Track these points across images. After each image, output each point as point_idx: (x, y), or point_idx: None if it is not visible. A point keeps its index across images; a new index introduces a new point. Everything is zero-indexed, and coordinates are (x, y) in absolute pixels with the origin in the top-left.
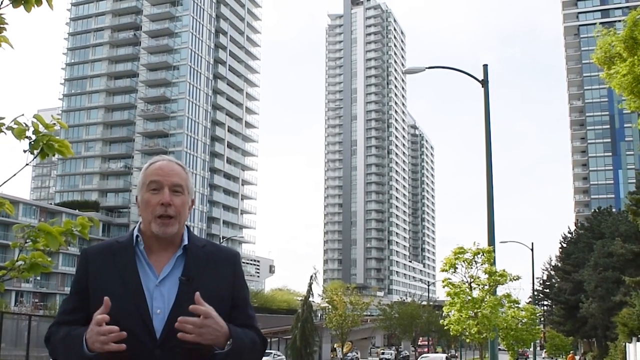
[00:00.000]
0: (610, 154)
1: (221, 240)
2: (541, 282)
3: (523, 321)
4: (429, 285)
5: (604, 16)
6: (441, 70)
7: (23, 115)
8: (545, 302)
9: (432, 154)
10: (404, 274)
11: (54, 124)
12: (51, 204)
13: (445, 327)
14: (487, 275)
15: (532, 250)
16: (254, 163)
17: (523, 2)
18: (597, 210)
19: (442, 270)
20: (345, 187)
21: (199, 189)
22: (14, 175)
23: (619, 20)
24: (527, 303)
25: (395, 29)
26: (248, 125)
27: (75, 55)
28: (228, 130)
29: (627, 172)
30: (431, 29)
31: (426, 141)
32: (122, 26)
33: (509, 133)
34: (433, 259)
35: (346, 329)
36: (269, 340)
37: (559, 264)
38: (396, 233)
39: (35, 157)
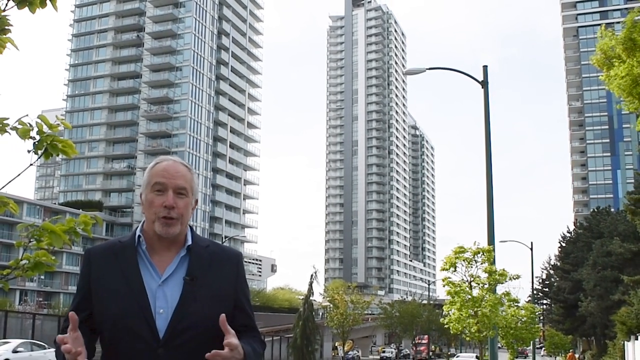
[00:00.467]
0: (609, 154)
1: (223, 240)
2: (540, 281)
3: (522, 320)
4: (429, 284)
5: (602, 18)
6: (441, 71)
7: (27, 115)
8: (545, 301)
9: (432, 154)
10: (405, 273)
11: (58, 124)
12: (55, 203)
13: (446, 326)
14: (487, 275)
15: (531, 249)
16: (256, 163)
17: (522, 4)
18: (595, 210)
19: (443, 270)
20: (347, 187)
21: (201, 188)
22: (18, 175)
23: (618, 22)
24: (527, 302)
25: (395, 30)
26: (250, 125)
27: (78, 57)
28: (230, 131)
29: (626, 172)
30: (431, 30)
31: (426, 141)
32: (125, 28)
33: (509, 133)
34: (433, 258)
35: (347, 327)
36: (271, 338)
37: (558, 263)
38: (397, 232)
39: (39, 157)
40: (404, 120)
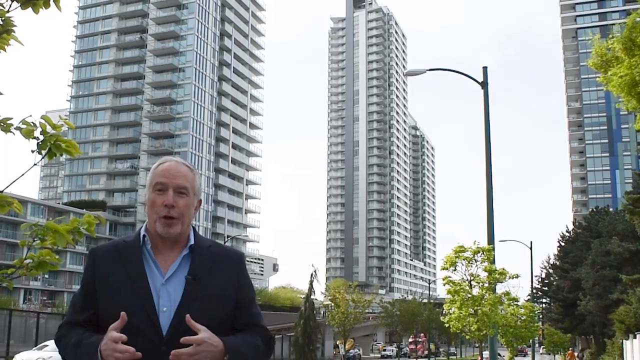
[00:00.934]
0: (607, 154)
1: (226, 239)
2: (540, 280)
3: (522, 318)
4: (429, 283)
5: (601, 19)
6: (441, 72)
7: (31, 116)
8: (544, 300)
9: (432, 154)
10: (405, 272)
11: (62, 124)
12: (59, 203)
13: (446, 325)
14: (486, 274)
15: (531, 248)
16: (257, 163)
17: (522, 6)
18: (594, 210)
19: (443, 269)
20: (348, 187)
21: (204, 188)
22: (23, 175)
23: (616, 23)
24: (526, 301)
25: (396, 32)
26: (252, 126)
27: (82, 58)
28: (232, 131)
29: (624, 172)
30: (432, 31)
31: (427, 142)
32: (128, 29)
33: (509, 134)
34: (434, 258)
35: (348, 326)
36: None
37: (558, 263)
38: (397, 232)
39: (43, 157)
40: (404, 121)
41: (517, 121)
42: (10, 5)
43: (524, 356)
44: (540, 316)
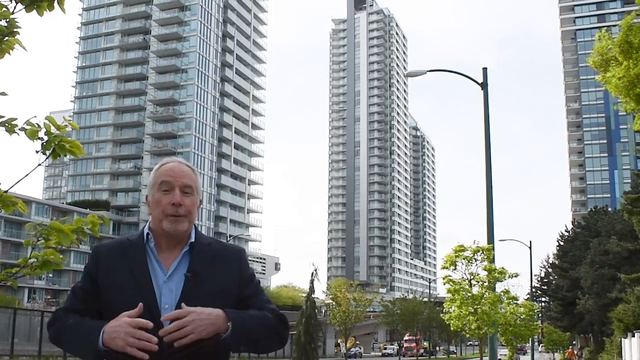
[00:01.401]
0: (606, 154)
1: (228, 239)
2: (539, 279)
3: (521, 317)
4: (430, 282)
5: (600, 21)
6: (442, 73)
7: (35, 116)
8: (543, 299)
9: (433, 154)
10: (406, 271)
11: (66, 125)
12: (63, 203)
13: (446, 323)
14: (486, 273)
15: (530, 248)
16: (260, 163)
17: (521, 8)
18: (593, 210)
19: (443, 268)
20: (349, 187)
21: (206, 188)
22: (27, 175)
23: (615, 25)
24: (526, 299)
25: (397, 33)
26: (254, 126)
27: (86, 59)
28: (235, 132)
29: (623, 172)
30: (432, 33)
31: (427, 142)
32: (132, 30)
33: (508, 134)
34: (434, 257)
35: (349, 324)
36: None
37: (557, 262)
38: (398, 231)
39: (47, 158)
40: (405, 121)
41: (517, 122)
42: (14, 7)
43: (524, 354)
44: (540, 315)
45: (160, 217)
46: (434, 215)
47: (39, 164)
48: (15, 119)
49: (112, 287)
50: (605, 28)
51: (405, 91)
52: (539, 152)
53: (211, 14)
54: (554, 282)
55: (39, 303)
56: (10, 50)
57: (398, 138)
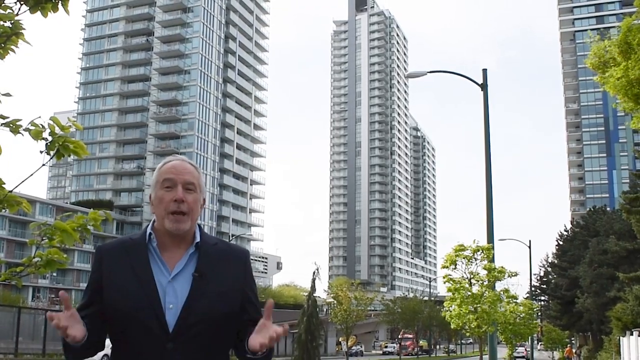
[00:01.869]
0: (604, 155)
1: (230, 238)
2: (538, 278)
3: (521, 316)
4: (430, 281)
5: (598, 22)
6: (442, 74)
7: (40, 117)
8: (542, 298)
9: (433, 154)
10: (407, 271)
11: (70, 125)
12: (67, 203)
13: (447, 321)
14: (486, 272)
15: (529, 247)
16: (262, 164)
17: (521, 9)
18: (592, 209)
19: (443, 267)
20: (350, 186)
21: (209, 188)
22: (31, 175)
23: (614, 27)
24: (525, 298)
25: (397, 35)
26: (256, 127)
27: (90, 60)
28: (237, 132)
29: (621, 172)
30: (432, 34)
31: (428, 142)
32: (135, 32)
33: (508, 134)
34: (434, 256)
35: (351, 323)
36: None
37: (556, 261)
38: (399, 231)
39: (51, 158)
40: (405, 122)
41: (517, 122)
42: (19, 9)
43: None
44: (539, 313)
45: (162, 214)
46: (434, 215)
47: (43, 164)
48: (20, 119)
49: (114, 287)
50: (602, 30)
51: (405, 92)
52: (539, 152)
53: (213, 16)
54: (553, 281)
55: (43, 302)
56: (14, 47)
57: (399, 138)
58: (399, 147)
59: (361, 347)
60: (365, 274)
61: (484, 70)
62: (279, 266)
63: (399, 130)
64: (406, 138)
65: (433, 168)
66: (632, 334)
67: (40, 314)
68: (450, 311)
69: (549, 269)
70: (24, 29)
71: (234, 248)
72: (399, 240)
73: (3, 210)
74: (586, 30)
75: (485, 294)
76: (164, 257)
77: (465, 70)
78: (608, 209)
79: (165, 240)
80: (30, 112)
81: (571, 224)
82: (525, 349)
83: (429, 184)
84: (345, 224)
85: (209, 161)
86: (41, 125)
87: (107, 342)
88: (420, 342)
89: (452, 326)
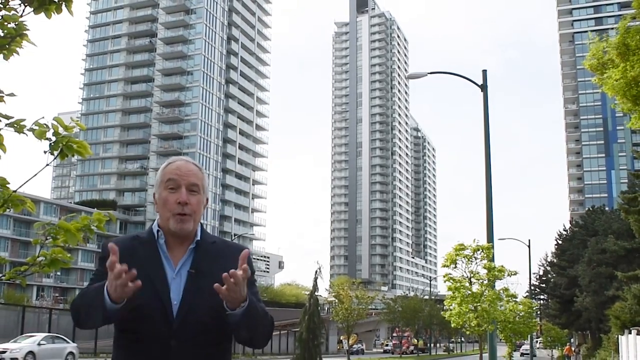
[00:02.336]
0: (603, 155)
1: (233, 238)
2: (537, 277)
3: (520, 314)
4: (430, 280)
5: (597, 24)
6: (442, 75)
7: (43, 117)
8: (542, 296)
9: (433, 155)
10: (407, 270)
11: (73, 126)
12: (71, 202)
13: (447, 320)
14: (486, 271)
15: (529, 246)
16: (264, 164)
17: (521, 11)
18: (591, 209)
19: (443, 266)
20: (351, 186)
21: (211, 188)
22: (35, 175)
23: (612, 28)
24: (524, 297)
25: (398, 36)
26: (258, 127)
27: (93, 61)
28: (239, 133)
29: (620, 172)
30: (433, 36)
31: (428, 143)
32: (138, 33)
33: (507, 135)
34: (435, 255)
35: (352, 322)
36: (278, 333)
37: (555, 260)
38: (399, 230)
39: (55, 158)
40: (406, 123)
41: (517, 122)
42: (23, 10)
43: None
44: (538, 312)
45: (167, 215)
46: (434, 215)
47: (47, 164)
48: (24, 119)
49: None
50: (601, 31)
51: (406, 93)
52: (538, 152)
53: (216, 17)
54: (552, 280)
55: (47, 300)
56: (18, 48)
57: (399, 139)
58: (399, 147)
59: (362, 345)
60: (366, 273)
61: (484, 71)
62: (280, 265)
63: (399, 131)
64: (407, 138)
65: (433, 168)
66: (630, 333)
67: (45, 313)
68: (451, 310)
69: (548, 268)
70: (28, 30)
71: (232, 246)
72: (400, 239)
73: (7, 210)
74: (585, 31)
75: (485, 293)
76: (169, 254)
77: (465, 71)
78: (607, 208)
79: (169, 239)
80: (34, 113)
81: (570, 223)
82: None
83: (429, 183)
84: (347, 223)
85: (212, 161)
86: (45, 125)
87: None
88: (415, 340)
89: (453, 325)
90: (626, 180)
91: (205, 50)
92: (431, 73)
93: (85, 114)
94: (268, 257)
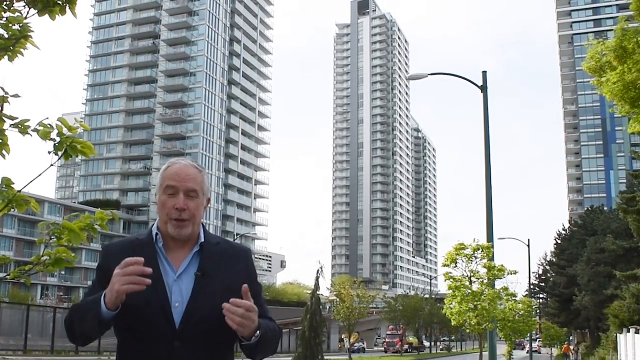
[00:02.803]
0: (602, 155)
1: (235, 237)
2: (537, 276)
3: (520, 313)
4: (431, 279)
5: (596, 25)
6: (443, 76)
7: (47, 118)
8: (541, 295)
9: (434, 155)
10: (408, 269)
11: (77, 126)
12: (74, 202)
13: (447, 319)
14: (486, 270)
15: (528, 246)
16: (266, 164)
17: (520, 12)
18: (589, 209)
19: (444, 265)
20: (352, 186)
21: (214, 188)
22: (40, 175)
23: (611, 30)
24: (524, 296)
25: (399, 38)
26: (260, 128)
27: (97, 62)
28: (242, 133)
29: (618, 172)
30: (433, 37)
31: (428, 143)
32: (141, 35)
33: (507, 135)
34: (435, 255)
35: (353, 320)
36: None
37: (554, 259)
38: (400, 230)
39: (59, 158)
40: (407, 123)
41: (516, 123)
42: (27, 12)
43: (522, 349)
44: (537, 311)
45: (165, 219)
46: (435, 214)
47: (52, 164)
48: (28, 120)
49: None
50: (600, 33)
51: (407, 94)
52: (537, 152)
53: (219, 19)
54: (551, 279)
55: (51, 299)
56: (22, 49)
57: (400, 139)
58: (400, 147)
59: (363, 343)
60: (367, 272)
61: (484, 72)
62: (282, 264)
63: (400, 131)
64: (407, 139)
65: (434, 168)
66: (628, 331)
67: (49, 312)
68: (451, 308)
69: (548, 267)
70: (33, 31)
71: (236, 247)
72: (401, 239)
73: (12, 210)
74: (584, 33)
75: (485, 292)
76: (169, 256)
77: (465, 71)
78: (605, 208)
79: (169, 241)
80: (38, 114)
81: (569, 223)
82: (538, 345)
83: (429, 183)
84: (348, 223)
85: (214, 161)
86: (49, 125)
87: None
88: (410, 338)
89: (453, 323)
90: (624, 181)
91: (207, 52)
92: (431, 74)
93: (89, 114)
94: (270, 257)
